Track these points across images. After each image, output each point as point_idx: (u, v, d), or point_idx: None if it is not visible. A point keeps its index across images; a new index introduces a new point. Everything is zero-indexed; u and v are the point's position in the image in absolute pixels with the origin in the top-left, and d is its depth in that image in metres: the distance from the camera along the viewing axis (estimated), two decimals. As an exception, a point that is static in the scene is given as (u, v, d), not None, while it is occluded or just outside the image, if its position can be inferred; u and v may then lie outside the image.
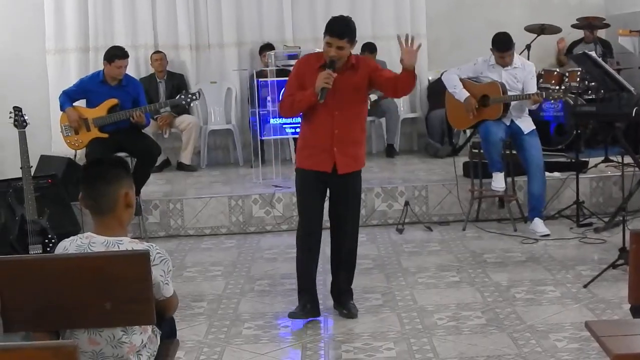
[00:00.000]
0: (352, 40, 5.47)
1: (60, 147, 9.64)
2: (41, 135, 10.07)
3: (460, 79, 7.97)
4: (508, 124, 7.82)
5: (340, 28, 5.43)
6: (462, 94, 7.90)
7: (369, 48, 10.58)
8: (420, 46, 5.49)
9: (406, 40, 5.47)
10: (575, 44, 11.12)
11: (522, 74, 7.81)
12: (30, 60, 10.74)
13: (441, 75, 8.67)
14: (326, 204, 5.74)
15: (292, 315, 5.64)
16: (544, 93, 7.68)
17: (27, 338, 3.33)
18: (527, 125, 7.83)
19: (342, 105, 5.49)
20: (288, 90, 5.62)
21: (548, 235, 7.55)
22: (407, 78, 5.56)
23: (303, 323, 5.60)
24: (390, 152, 10.66)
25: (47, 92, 10.62)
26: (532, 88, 7.77)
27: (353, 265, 5.82)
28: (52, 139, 10.42)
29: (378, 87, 5.77)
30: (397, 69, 11.09)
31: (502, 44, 7.76)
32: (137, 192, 7.83)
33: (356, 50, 10.47)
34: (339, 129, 5.51)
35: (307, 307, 5.62)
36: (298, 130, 8.34)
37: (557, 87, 7.81)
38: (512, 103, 7.74)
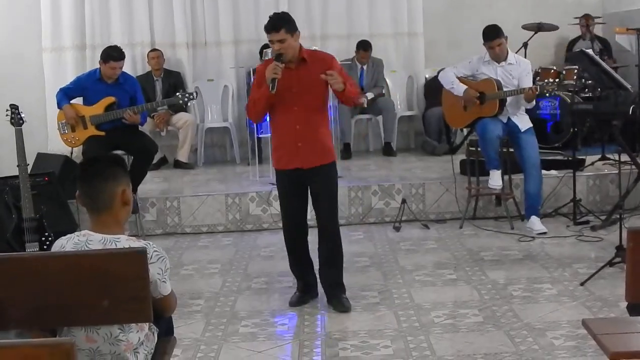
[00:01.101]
0: (290, 30, 5.55)
1: (56, 145, 9.65)
2: (38, 133, 10.07)
3: (456, 77, 7.96)
4: (505, 121, 7.82)
5: (272, 22, 5.57)
6: (459, 88, 7.90)
7: (363, 46, 10.59)
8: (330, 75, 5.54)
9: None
10: (574, 42, 11.12)
11: (517, 71, 7.81)
12: (27, 58, 10.75)
13: (437, 73, 8.69)
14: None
15: (291, 304, 5.90)
16: (538, 87, 7.67)
17: (23, 336, 3.32)
18: (524, 123, 7.84)
19: (299, 100, 5.61)
20: (250, 95, 5.82)
21: (545, 233, 7.55)
22: (340, 97, 5.76)
23: (299, 320, 5.60)
24: (387, 150, 10.66)
25: (44, 90, 10.61)
26: (528, 84, 7.76)
27: (337, 260, 5.89)
28: (49, 137, 10.41)
29: (333, 91, 5.79)
30: (394, 66, 11.21)
31: (490, 32, 7.79)
32: (134, 190, 7.83)
33: (351, 48, 10.61)
34: (300, 124, 5.63)
35: (301, 292, 5.95)
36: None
37: (552, 81, 7.79)
38: (508, 100, 7.74)
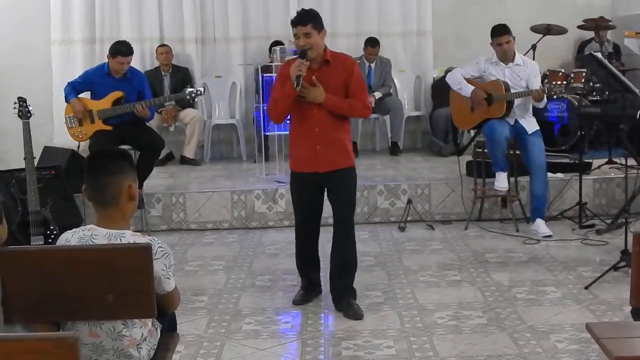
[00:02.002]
0: (317, 26, 5.49)
1: (62, 139, 9.67)
2: (44, 126, 10.08)
3: (465, 78, 7.95)
4: (512, 123, 7.81)
5: (300, 16, 5.52)
6: (467, 89, 7.89)
7: (371, 42, 10.59)
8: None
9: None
10: (584, 44, 11.11)
11: (525, 72, 7.80)
12: (35, 50, 10.76)
13: (445, 73, 8.68)
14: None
15: (295, 302, 5.88)
16: (546, 88, 7.66)
17: (27, 329, 3.33)
18: (531, 125, 7.83)
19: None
20: (272, 95, 5.68)
21: (550, 236, 7.54)
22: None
23: (302, 319, 5.60)
24: (394, 150, 10.66)
25: (51, 83, 10.63)
26: (536, 85, 7.75)
27: (350, 264, 5.78)
28: (55, 130, 10.43)
29: (346, 96, 5.68)
30: (402, 65, 11.19)
31: (499, 28, 7.81)
32: (140, 186, 7.83)
33: (359, 46, 10.60)
34: (319, 126, 5.56)
35: (305, 290, 5.95)
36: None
37: (560, 83, 7.79)
38: (516, 102, 7.73)
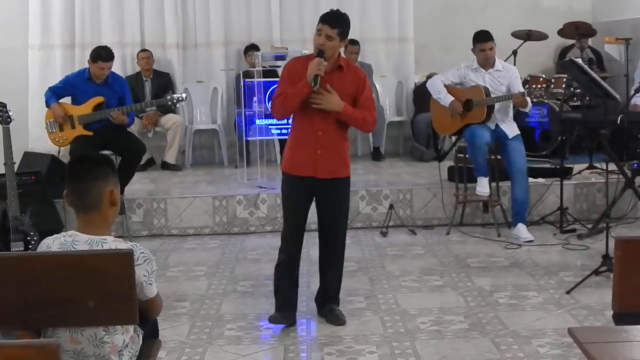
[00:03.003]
0: (343, 33, 5.35)
1: (37, 144, 9.67)
2: (21, 132, 10.01)
3: (445, 85, 7.98)
4: (493, 128, 7.84)
5: (334, 17, 5.37)
6: (446, 98, 7.92)
7: (350, 41, 10.61)
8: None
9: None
10: (566, 50, 11.16)
11: (505, 77, 7.83)
12: (13, 54, 10.67)
13: (427, 79, 8.70)
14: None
15: (272, 320, 5.56)
16: (526, 92, 7.69)
17: (8, 335, 3.30)
18: (511, 130, 7.86)
19: None
20: (279, 90, 5.47)
21: (531, 241, 7.57)
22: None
23: (284, 326, 5.58)
24: (376, 155, 10.67)
25: (27, 88, 10.58)
26: (518, 88, 7.77)
27: (340, 274, 5.73)
28: (30, 136, 10.39)
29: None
30: (384, 71, 11.21)
31: (482, 34, 7.84)
32: (121, 191, 7.81)
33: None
34: (323, 131, 5.41)
35: (287, 313, 5.58)
36: (284, 131, 8.34)
37: (540, 87, 7.82)
38: (496, 106, 7.76)
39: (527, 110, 7.93)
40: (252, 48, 10.36)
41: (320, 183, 5.45)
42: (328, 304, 5.69)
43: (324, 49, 5.30)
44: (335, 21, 5.34)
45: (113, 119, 8.00)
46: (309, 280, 6.24)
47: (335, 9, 5.54)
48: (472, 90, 7.83)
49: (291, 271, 5.63)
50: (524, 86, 8.39)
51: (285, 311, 5.58)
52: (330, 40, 5.29)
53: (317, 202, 5.59)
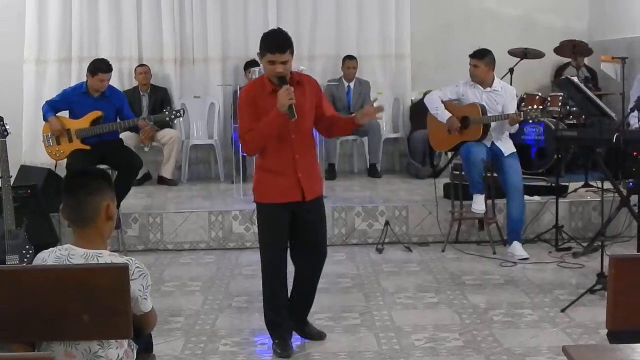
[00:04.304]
0: (292, 51, 5.16)
1: (31, 157, 9.68)
2: (16, 146, 10.00)
3: (442, 101, 8.01)
4: (489, 145, 7.86)
5: (280, 42, 5.14)
6: (444, 115, 7.95)
7: (347, 56, 10.71)
8: (382, 110, 5.33)
9: (374, 104, 5.30)
10: (562, 68, 11.20)
11: (502, 98, 7.87)
12: (9, 68, 10.67)
13: (423, 96, 8.73)
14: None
15: (280, 355, 5.34)
16: (522, 113, 7.73)
17: (2, 349, 3.30)
18: (507, 147, 7.88)
19: (297, 127, 5.17)
20: (245, 124, 5.19)
21: (527, 259, 7.57)
22: (348, 128, 5.48)
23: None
24: (372, 171, 10.68)
25: (22, 102, 10.60)
26: (512, 110, 7.82)
27: (315, 291, 5.64)
28: (24, 149, 10.40)
29: (315, 119, 5.35)
30: (380, 88, 11.23)
31: (475, 51, 7.92)
32: (117, 205, 7.79)
33: (338, 66, 10.65)
34: (299, 153, 5.21)
35: (288, 344, 5.41)
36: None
37: (535, 107, 7.85)
38: (492, 124, 7.79)
39: (512, 130, 7.96)
40: (252, 64, 10.38)
41: (305, 206, 5.27)
42: (302, 324, 5.61)
43: (285, 75, 5.11)
44: (285, 45, 5.12)
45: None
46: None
47: (271, 31, 5.34)
48: (469, 108, 7.86)
49: (285, 299, 5.48)
50: (520, 104, 8.44)
51: (287, 341, 5.45)
52: (287, 64, 5.09)
53: (298, 224, 5.33)
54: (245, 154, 5.26)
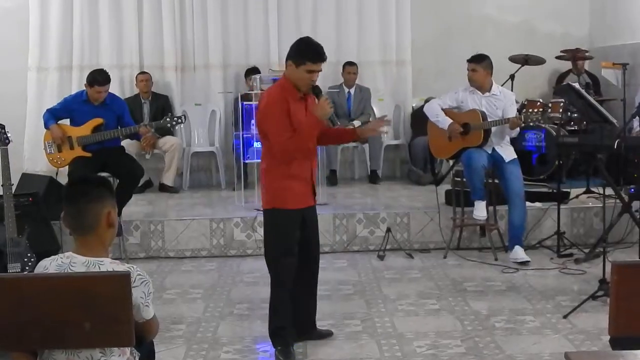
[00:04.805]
0: None
1: (33, 165, 9.69)
2: (17, 153, 10.01)
3: (442, 109, 8.01)
4: (490, 151, 7.86)
5: (322, 52, 5.27)
6: (445, 121, 7.95)
7: (348, 62, 10.74)
8: (389, 124, 5.45)
9: (383, 118, 5.44)
10: (563, 75, 11.20)
11: (501, 102, 7.90)
12: (12, 76, 10.69)
13: (425, 102, 8.73)
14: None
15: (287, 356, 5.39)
16: (522, 116, 7.74)
17: (4, 357, 3.29)
18: (508, 153, 7.88)
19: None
20: (284, 129, 5.16)
21: (528, 261, 7.57)
22: (345, 140, 5.67)
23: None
24: (373, 178, 10.68)
25: (25, 110, 10.61)
26: (512, 114, 7.84)
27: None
28: (26, 157, 10.41)
29: None
30: (381, 94, 11.22)
31: (473, 56, 7.97)
32: (119, 213, 7.80)
33: (338, 74, 10.67)
34: (314, 160, 5.45)
35: (291, 351, 5.42)
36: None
37: (536, 111, 7.85)
38: (493, 130, 7.79)
39: (513, 134, 7.97)
40: (253, 71, 10.39)
41: (312, 209, 5.47)
42: (310, 330, 5.66)
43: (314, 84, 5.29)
44: (324, 54, 5.27)
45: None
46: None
47: (312, 40, 5.41)
48: (469, 114, 7.87)
49: (291, 306, 5.52)
50: (521, 110, 8.44)
51: (291, 347, 5.46)
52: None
53: (302, 229, 5.43)
54: (280, 159, 5.24)
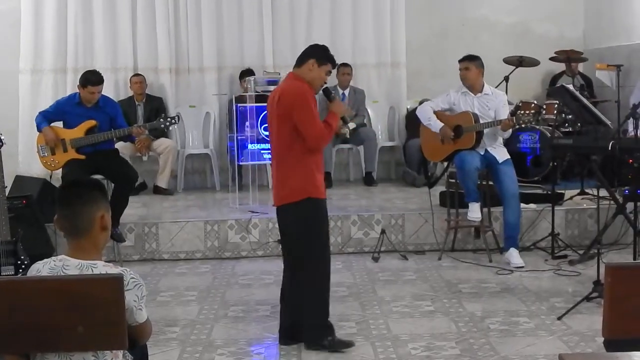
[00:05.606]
0: None
1: (26, 168, 9.66)
2: (14, 156, 9.99)
3: (434, 111, 8.01)
4: (482, 153, 7.86)
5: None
6: (436, 124, 7.95)
7: (342, 64, 10.71)
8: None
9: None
10: (557, 77, 11.21)
11: (493, 102, 7.90)
12: (6, 79, 10.67)
13: (419, 104, 8.73)
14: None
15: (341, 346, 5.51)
16: (514, 118, 7.74)
17: (-4, 361, 3.28)
18: (501, 154, 7.88)
19: None
20: (318, 121, 5.40)
21: (522, 267, 7.57)
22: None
23: (276, 350, 5.56)
24: (368, 180, 10.68)
25: (17, 112, 10.59)
26: (504, 115, 7.84)
27: None
28: (20, 160, 10.38)
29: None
30: (376, 96, 11.26)
31: (465, 56, 8.01)
32: (117, 221, 7.79)
33: (333, 76, 10.65)
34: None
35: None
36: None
37: (528, 112, 7.85)
38: (485, 131, 7.79)
39: (505, 136, 7.97)
40: (247, 73, 10.38)
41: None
42: (298, 336, 5.63)
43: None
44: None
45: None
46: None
47: (326, 47, 5.68)
48: (461, 116, 7.87)
49: None
50: (515, 111, 8.45)
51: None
52: None
53: None
54: (315, 149, 5.47)
